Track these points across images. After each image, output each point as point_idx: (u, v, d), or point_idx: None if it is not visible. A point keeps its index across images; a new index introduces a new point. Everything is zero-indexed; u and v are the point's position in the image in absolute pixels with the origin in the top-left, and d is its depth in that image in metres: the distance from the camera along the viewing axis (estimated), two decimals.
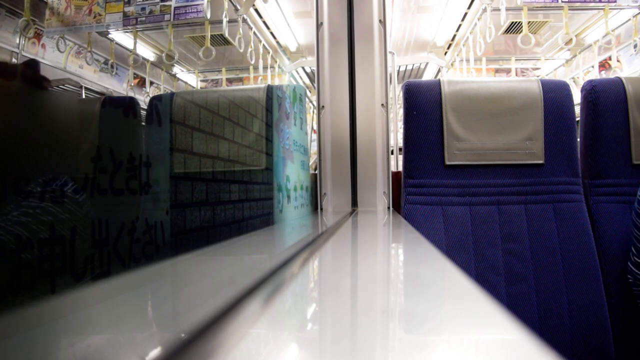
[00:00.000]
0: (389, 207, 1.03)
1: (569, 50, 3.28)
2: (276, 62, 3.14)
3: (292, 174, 0.88)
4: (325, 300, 0.27)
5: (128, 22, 1.68)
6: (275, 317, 0.22)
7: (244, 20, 2.28)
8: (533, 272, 0.92)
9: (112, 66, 2.02)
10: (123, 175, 0.46)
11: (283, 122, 0.83)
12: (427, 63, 3.75)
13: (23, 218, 0.33)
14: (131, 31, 1.83)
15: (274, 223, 0.76)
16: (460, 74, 3.42)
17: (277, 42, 3.17)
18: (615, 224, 0.97)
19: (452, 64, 3.64)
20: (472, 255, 0.93)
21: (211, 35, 2.05)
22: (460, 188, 0.98)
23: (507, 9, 2.30)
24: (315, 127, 1.17)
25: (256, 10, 2.73)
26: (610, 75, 2.91)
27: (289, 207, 0.83)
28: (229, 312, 0.22)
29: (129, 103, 0.51)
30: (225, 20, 1.97)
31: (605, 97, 1.01)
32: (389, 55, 1.06)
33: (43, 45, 1.66)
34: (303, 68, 3.57)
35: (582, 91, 1.05)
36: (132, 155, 0.47)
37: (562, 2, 2.23)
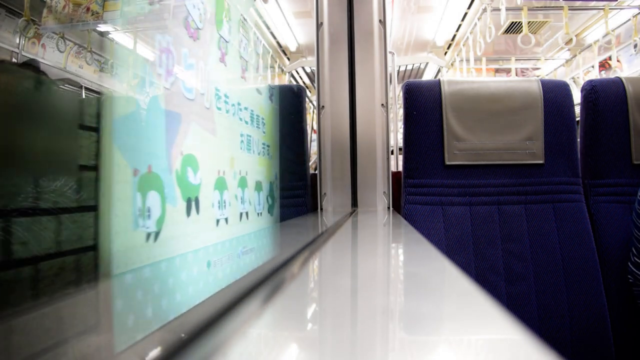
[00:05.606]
0: (389, 207, 1.03)
1: (569, 50, 3.29)
2: (269, 53, 3.14)
3: (210, 156, 0.46)
4: (325, 300, 0.27)
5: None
6: (275, 317, 0.22)
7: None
8: (533, 272, 0.92)
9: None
10: None
11: (177, 43, 0.40)
12: (427, 63, 3.75)
13: None
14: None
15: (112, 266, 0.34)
16: (460, 74, 3.42)
17: (277, 43, 3.17)
18: (615, 224, 0.97)
19: (452, 64, 3.64)
20: (472, 255, 0.93)
21: None
22: (460, 188, 0.98)
23: (507, 9, 2.30)
24: (315, 127, 1.17)
25: (256, 10, 2.73)
26: (610, 75, 2.91)
27: (194, 222, 0.40)
28: (229, 312, 0.22)
29: None
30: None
31: (605, 97, 1.01)
32: (389, 55, 1.06)
33: (43, 46, 1.66)
34: (303, 68, 3.57)
35: (582, 91, 1.05)
36: None
37: (562, 1, 2.23)
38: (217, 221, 0.46)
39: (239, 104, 0.57)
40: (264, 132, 0.68)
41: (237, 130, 0.56)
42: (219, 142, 0.49)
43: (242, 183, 0.56)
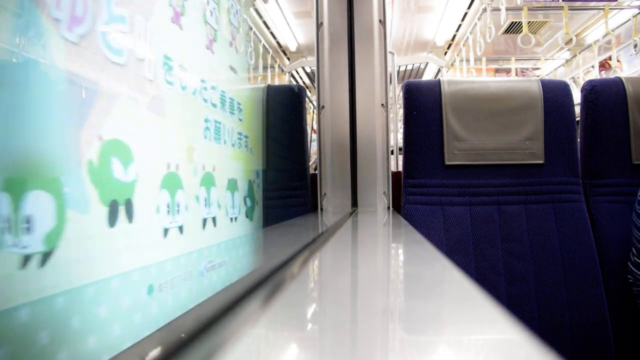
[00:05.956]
0: (389, 207, 1.03)
1: (569, 50, 3.29)
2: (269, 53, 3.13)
3: (154, 144, 0.36)
4: (325, 300, 0.27)
5: None
6: (275, 317, 0.22)
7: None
8: (533, 272, 0.92)
9: None
10: None
11: None
12: (427, 63, 3.75)
13: None
14: None
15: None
16: (460, 74, 3.42)
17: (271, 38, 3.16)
18: (615, 224, 0.97)
19: (452, 64, 3.64)
20: (472, 255, 0.93)
21: None
22: (460, 188, 0.98)
23: (507, 9, 2.30)
24: (315, 127, 1.17)
25: (256, 10, 2.73)
26: (610, 75, 2.91)
27: (123, 234, 0.30)
28: (229, 312, 0.22)
29: None
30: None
31: (605, 97, 1.01)
32: (389, 55, 1.06)
33: None
34: (303, 68, 3.57)
35: (582, 91, 1.05)
36: None
37: (562, 1, 2.23)
38: (166, 231, 0.34)
39: (202, 81, 0.44)
40: (240, 120, 0.54)
41: (199, 113, 0.43)
42: (169, 127, 0.37)
43: (208, 181, 0.44)
